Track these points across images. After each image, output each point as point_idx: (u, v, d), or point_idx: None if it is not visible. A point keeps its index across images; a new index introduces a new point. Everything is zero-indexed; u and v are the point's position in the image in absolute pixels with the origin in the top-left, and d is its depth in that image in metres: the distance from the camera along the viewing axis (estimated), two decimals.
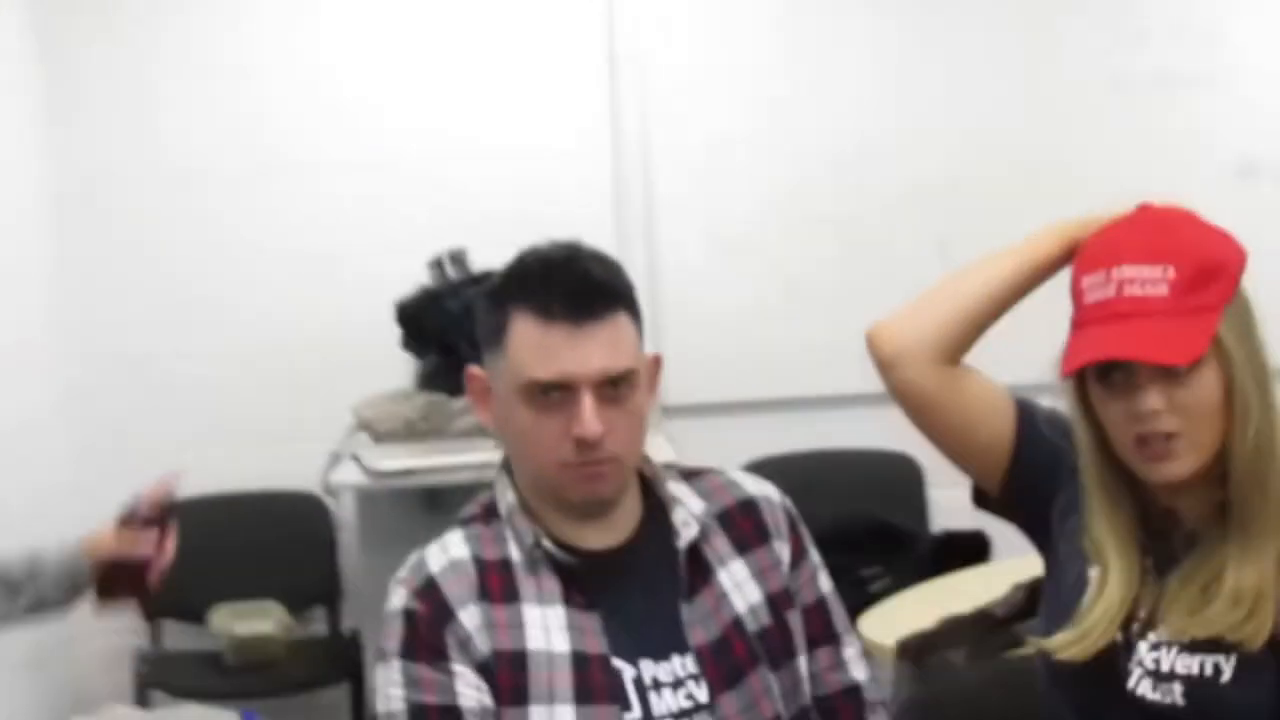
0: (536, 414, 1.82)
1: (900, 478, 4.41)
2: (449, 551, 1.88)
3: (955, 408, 1.98)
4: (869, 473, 4.53)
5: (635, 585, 1.90)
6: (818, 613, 2.00)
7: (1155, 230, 1.86)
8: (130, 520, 1.92)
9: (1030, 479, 1.99)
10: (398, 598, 1.85)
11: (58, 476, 4.27)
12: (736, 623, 1.91)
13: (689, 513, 1.93)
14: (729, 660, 1.88)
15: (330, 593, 4.39)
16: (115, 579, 1.98)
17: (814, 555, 2.03)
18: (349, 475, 3.73)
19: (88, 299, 4.43)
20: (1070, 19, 4.74)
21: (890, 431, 4.17)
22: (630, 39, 4.57)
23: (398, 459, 3.68)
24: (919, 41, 4.71)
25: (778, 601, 1.95)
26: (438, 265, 4.28)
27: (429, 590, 1.83)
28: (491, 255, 4.09)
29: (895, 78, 4.71)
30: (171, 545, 1.99)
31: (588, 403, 1.79)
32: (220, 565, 4.15)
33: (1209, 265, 1.81)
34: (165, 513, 1.93)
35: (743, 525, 1.98)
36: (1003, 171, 4.69)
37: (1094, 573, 1.89)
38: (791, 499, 2.04)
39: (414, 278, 4.28)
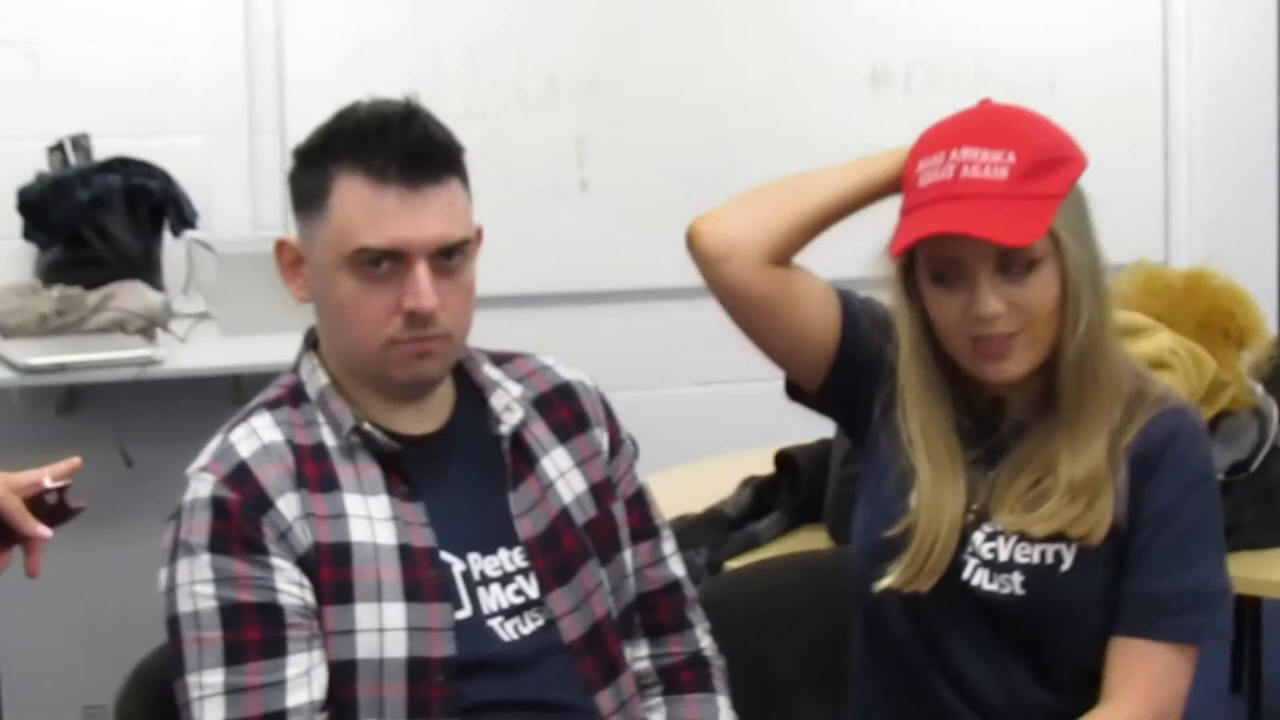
0: (362, 285, 1.72)
1: None
2: (260, 435, 1.77)
3: (781, 307, 1.97)
4: None
5: (458, 474, 1.83)
6: (637, 504, 1.97)
7: (997, 118, 1.88)
8: (32, 493, 1.65)
9: (852, 374, 1.99)
10: (203, 485, 1.72)
11: None
12: (564, 514, 1.86)
13: (510, 397, 1.87)
14: (559, 553, 1.83)
15: None
16: None
17: (630, 444, 1.99)
18: None
19: None
20: None
21: (523, 333, 4.23)
22: None
23: (36, 353, 3.42)
24: None
25: (601, 492, 1.91)
26: (58, 150, 3.99)
27: (241, 476, 1.72)
28: (117, 143, 3.98)
29: None
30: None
31: (422, 273, 1.70)
32: None
33: (1049, 155, 1.81)
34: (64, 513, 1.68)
35: (561, 412, 1.93)
36: (639, 74, 4.62)
37: (920, 476, 1.89)
38: None
39: (33, 163, 3.97)
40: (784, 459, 2.91)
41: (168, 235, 4.04)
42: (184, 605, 1.69)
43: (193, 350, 3.65)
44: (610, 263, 4.62)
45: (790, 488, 2.86)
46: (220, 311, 3.85)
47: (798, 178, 2.01)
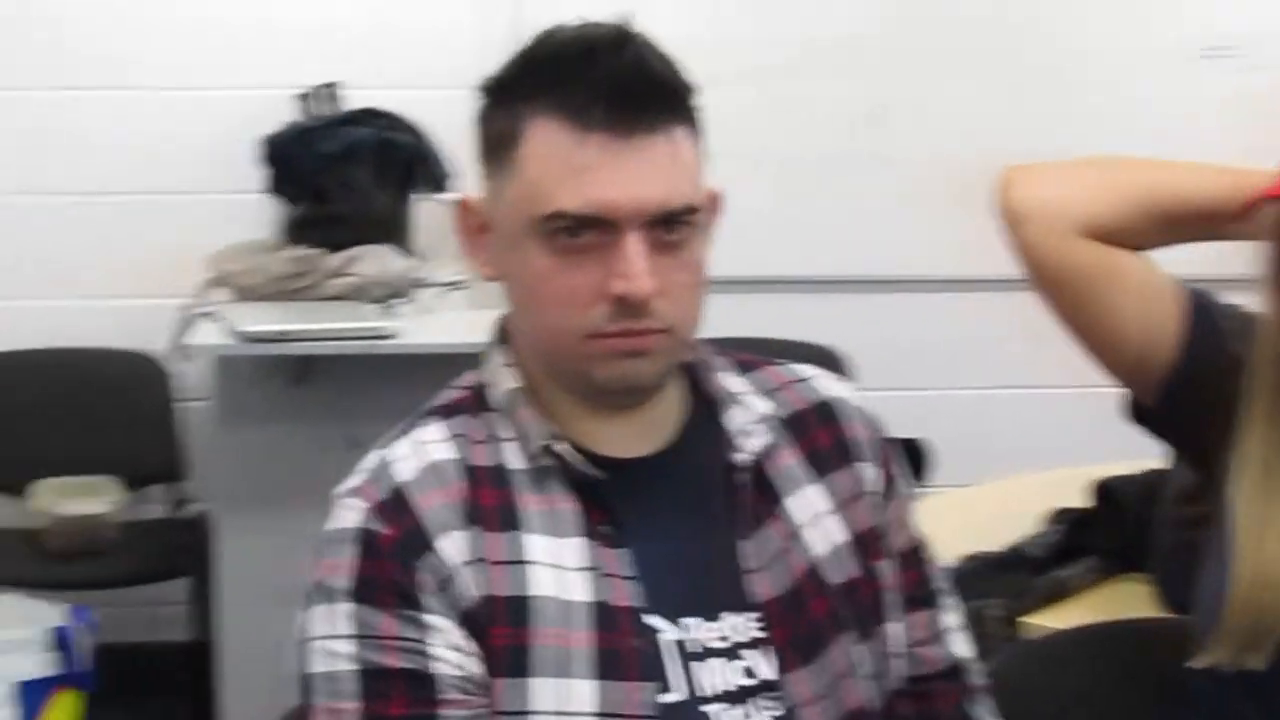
0: (559, 261, 1.42)
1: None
2: (427, 452, 1.48)
3: (1092, 288, 1.72)
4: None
5: (676, 513, 1.53)
6: (914, 563, 1.64)
7: None
8: None
9: (1198, 390, 1.71)
10: (351, 514, 1.45)
11: None
12: (814, 571, 1.53)
13: (752, 415, 1.55)
14: (805, 623, 1.52)
15: (172, 470, 3.99)
16: None
17: (906, 487, 1.67)
18: (207, 336, 3.42)
19: None
20: None
21: (814, 320, 3.98)
22: None
23: (266, 320, 3.40)
24: None
25: (867, 544, 1.58)
26: (306, 99, 3.93)
27: (398, 506, 1.44)
28: (370, 94, 4.04)
29: None
30: None
31: (635, 247, 1.39)
32: (45, 433, 3.86)
33: None
34: None
35: (820, 437, 1.59)
36: (944, 31, 4.32)
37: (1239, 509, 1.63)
38: None
39: (281, 111, 3.91)
40: (1104, 491, 2.58)
41: (415, 198, 4.00)
42: (318, 664, 1.45)
43: (438, 323, 3.59)
44: (900, 246, 4.31)
45: (1109, 527, 2.53)
46: (474, 281, 3.63)
47: (1147, 161, 1.77)
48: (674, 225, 1.41)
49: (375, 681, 1.42)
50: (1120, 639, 1.98)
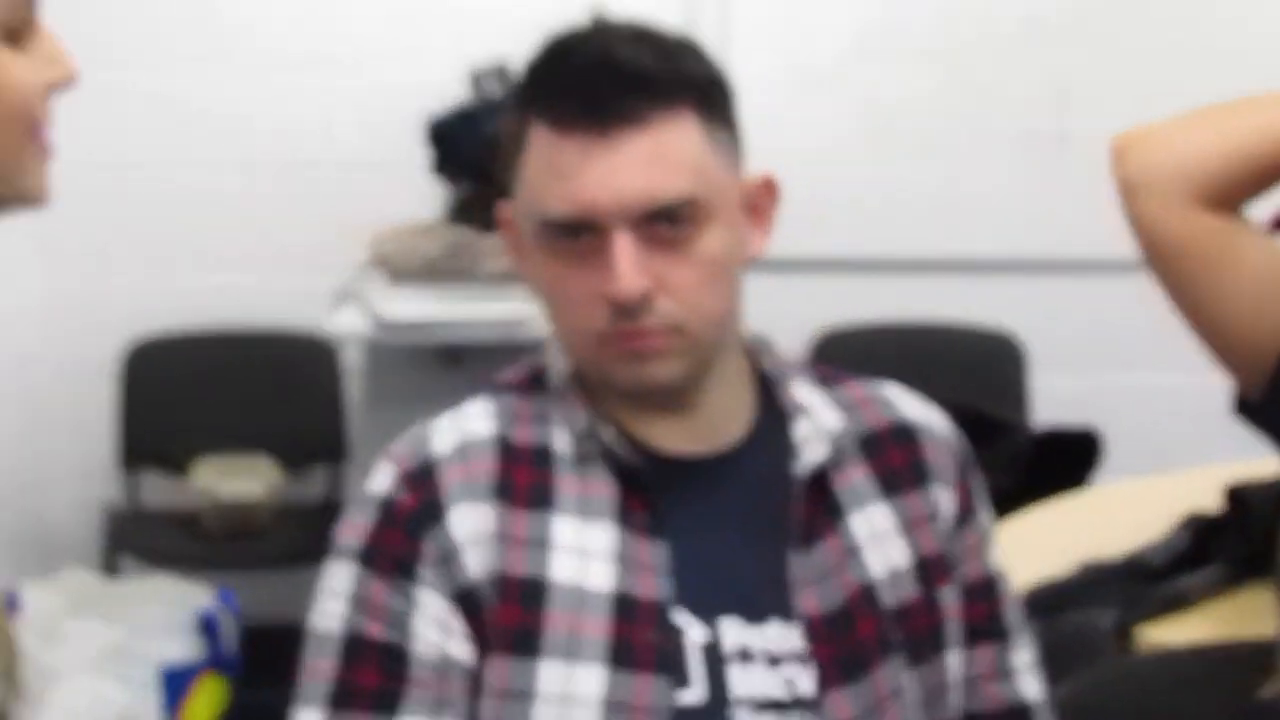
0: (562, 265, 1.42)
1: (999, 359, 3.98)
2: (465, 426, 1.48)
3: (1209, 263, 1.67)
4: (963, 352, 4.03)
5: (729, 515, 1.51)
6: (983, 595, 1.60)
7: None
8: None
9: None
10: (383, 477, 1.46)
11: (24, 295, 3.93)
12: (867, 592, 1.51)
13: (817, 426, 1.53)
14: (850, 642, 1.49)
15: (333, 452, 3.97)
16: None
17: (986, 517, 1.63)
18: (356, 321, 3.42)
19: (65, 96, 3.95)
20: None
21: (990, 304, 3.88)
22: None
23: (417, 306, 3.39)
24: None
25: (931, 570, 1.55)
26: (476, 80, 3.83)
27: (423, 477, 1.45)
28: None
29: None
30: None
31: (621, 247, 1.38)
32: (208, 411, 3.86)
33: None
34: None
35: (895, 457, 1.58)
36: (1135, 12, 4.17)
37: None
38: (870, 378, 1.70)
39: (450, 93, 3.84)
40: (1235, 495, 2.46)
41: None
42: (315, 619, 1.48)
43: None
44: (1079, 229, 4.00)
45: (1240, 532, 2.41)
46: None
47: (1258, 100, 1.72)
48: (675, 220, 1.39)
49: (355, 648, 1.43)
50: (1225, 662, 1.91)
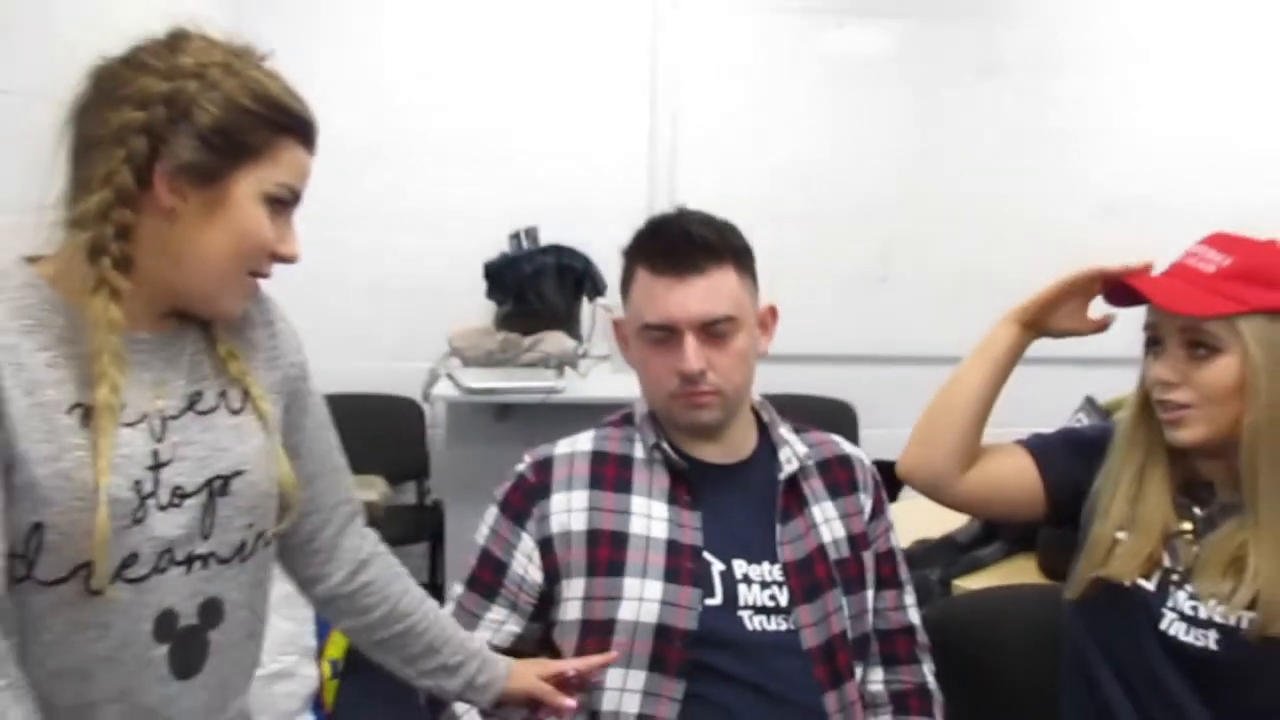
0: (651, 350, 1.64)
1: (839, 419, 4.07)
2: (576, 444, 1.71)
3: (995, 499, 1.74)
4: (815, 415, 3.91)
5: (738, 499, 1.67)
6: (888, 560, 1.76)
7: (1244, 238, 1.59)
8: (557, 680, 1.56)
9: (1069, 499, 1.71)
10: (522, 463, 1.71)
11: None
12: (821, 549, 1.67)
13: (794, 452, 1.70)
14: (810, 577, 1.64)
15: (420, 473, 4.16)
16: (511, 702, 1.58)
17: (889, 513, 1.79)
18: (444, 389, 3.50)
19: None
20: (995, 96, 4.41)
21: (829, 383, 4.00)
22: (668, 82, 4.28)
23: (481, 380, 3.48)
24: (878, 102, 4.37)
25: (857, 541, 1.71)
26: (515, 237, 4.06)
27: (543, 467, 1.68)
28: (556, 233, 3.93)
29: (851, 125, 4.36)
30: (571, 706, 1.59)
31: (689, 342, 1.59)
32: (347, 449, 3.68)
33: (1262, 273, 1.53)
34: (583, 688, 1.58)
35: (838, 475, 1.75)
36: (931, 199, 4.40)
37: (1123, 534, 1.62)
38: None
39: (498, 245, 4.04)
40: None
41: (584, 302, 4.00)
42: (477, 533, 1.69)
43: (592, 382, 3.62)
44: (894, 335, 4.38)
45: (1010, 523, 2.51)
46: (616, 356, 3.69)
47: (945, 390, 1.72)
48: (718, 327, 1.60)
49: (484, 556, 1.66)
50: (1017, 597, 1.99)
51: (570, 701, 1.53)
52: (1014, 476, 1.72)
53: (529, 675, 1.54)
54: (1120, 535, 1.62)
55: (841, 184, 4.33)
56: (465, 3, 4.21)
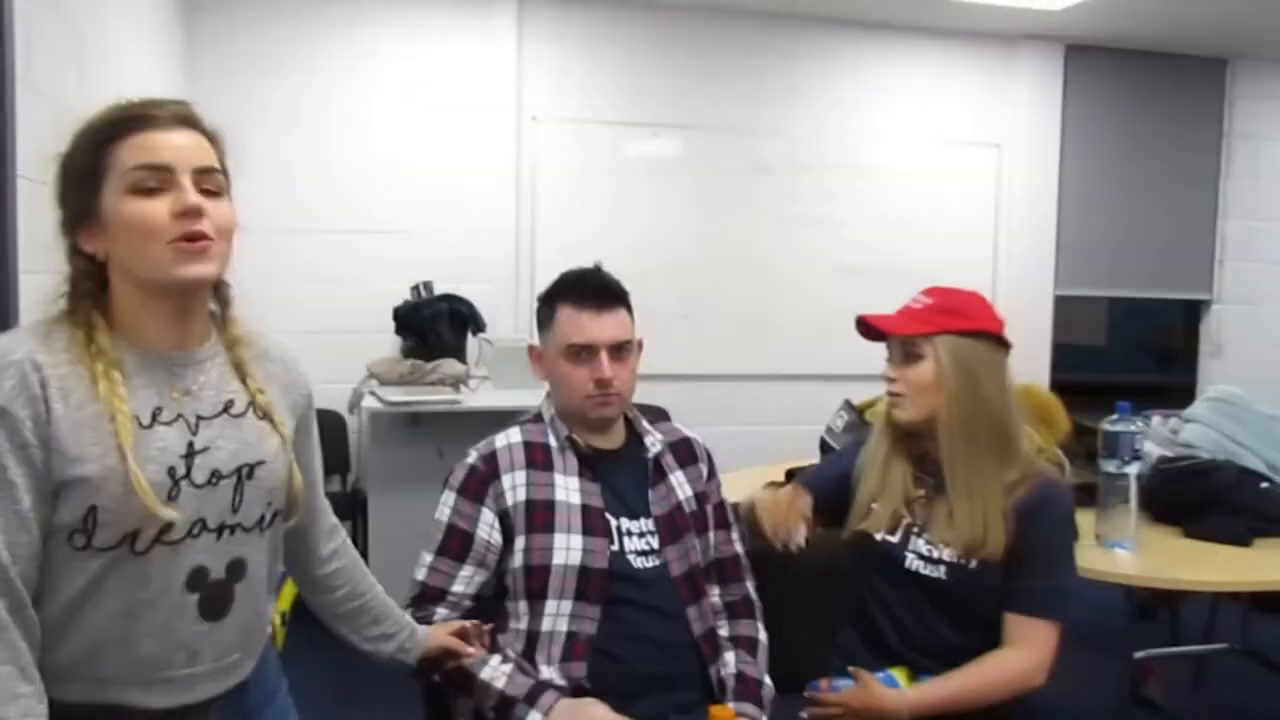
0: (572, 365, 1.64)
1: (653, 418, 3.78)
2: (509, 437, 1.69)
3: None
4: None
5: (622, 473, 1.70)
6: (721, 510, 1.81)
7: (946, 289, 1.72)
8: (460, 634, 1.57)
9: (836, 504, 1.81)
10: (470, 457, 1.67)
11: None
12: (679, 505, 1.72)
13: (655, 439, 1.75)
14: (673, 526, 1.69)
15: (344, 468, 4.07)
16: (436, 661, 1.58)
17: (718, 476, 1.83)
18: (369, 403, 3.39)
19: None
20: (763, 188, 4.59)
21: (648, 394, 3.78)
22: (528, 173, 4.33)
23: (400, 394, 3.42)
24: (679, 191, 4.51)
25: (700, 498, 1.76)
26: (415, 288, 4.05)
27: (490, 457, 1.66)
28: (447, 285, 3.97)
29: (662, 206, 4.51)
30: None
31: (604, 358, 1.63)
32: None
33: (952, 309, 1.67)
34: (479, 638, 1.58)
35: (682, 451, 1.79)
36: (718, 260, 4.54)
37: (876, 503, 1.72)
38: None
39: (402, 295, 4.02)
40: (790, 473, 2.45)
41: (470, 337, 4.01)
42: (437, 512, 1.65)
43: (479, 396, 3.58)
44: (701, 359, 4.51)
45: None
46: (495, 377, 3.75)
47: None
48: (621, 349, 1.65)
49: (451, 530, 1.62)
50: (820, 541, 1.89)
51: (472, 650, 1.54)
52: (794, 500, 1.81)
53: (441, 635, 1.54)
54: (874, 506, 1.71)
55: (655, 250, 4.43)
56: (384, 120, 4.19)
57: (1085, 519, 2.17)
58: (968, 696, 1.59)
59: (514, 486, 1.63)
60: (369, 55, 4.16)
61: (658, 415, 4.11)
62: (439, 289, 4.05)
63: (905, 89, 4.69)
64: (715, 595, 1.76)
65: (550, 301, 1.68)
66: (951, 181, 4.75)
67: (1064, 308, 4.94)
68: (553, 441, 1.68)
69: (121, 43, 3.10)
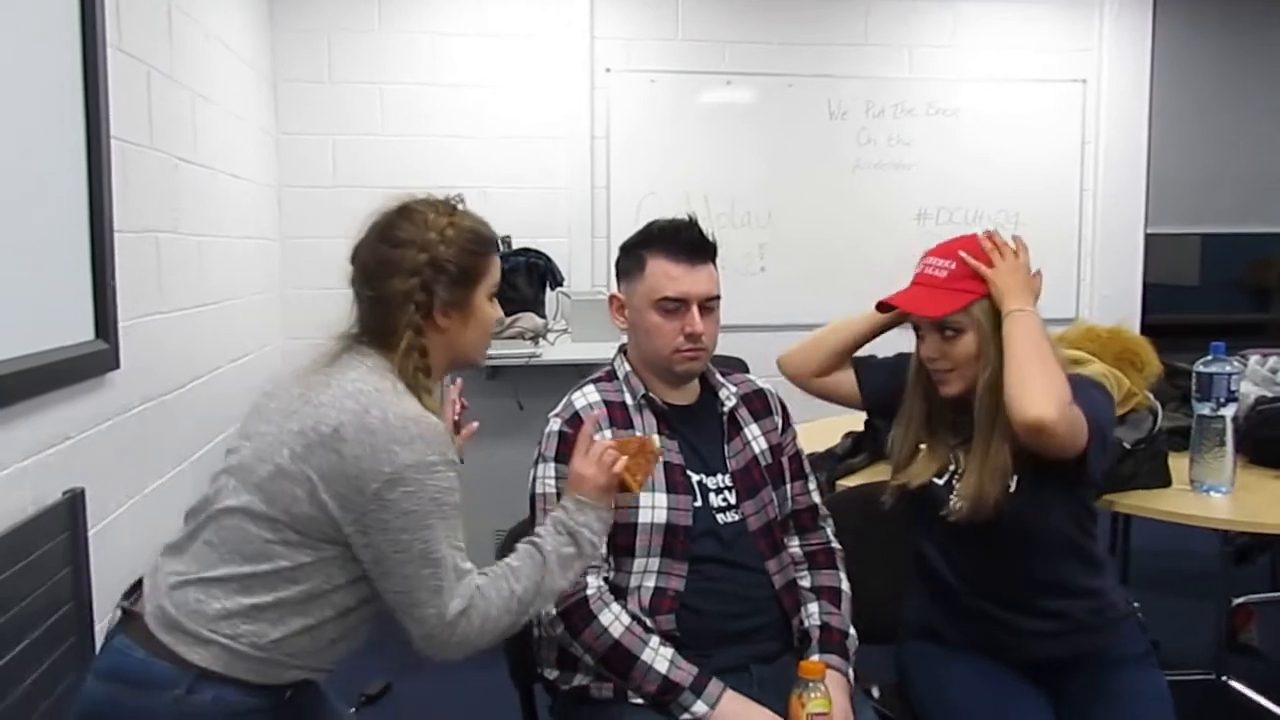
0: (663, 318, 1.60)
1: (734, 368, 3.43)
2: (587, 397, 1.66)
3: (830, 392, 1.84)
4: (718, 365, 3.67)
5: (698, 428, 1.67)
6: (796, 461, 1.77)
7: (958, 243, 1.66)
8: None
9: (878, 399, 1.81)
10: (554, 424, 1.63)
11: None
12: (755, 459, 1.69)
13: (730, 392, 1.72)
14: (749, 480, 1.67)
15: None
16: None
17: (793, 427, 1.78)
18: None
19: (299, 263, 4.10)
20: (836, 134, 4.50)
21: (726, 344, 3.87)
22: (602, 127, 4.31)
23: None
24: (753, 139, 4.45)
25: (775, 450, 1.73)
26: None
27: (574, 420, 1.62)
28: (524, 240, 3.99)
29: (736, 155, 4.45)
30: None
31: (696, 312, 1.60)
32: None
33: (974, 270, 1.61)
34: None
35: (756, 404, 1.75)
36: (792, 210, 4.49)
37: (923, 447, 1.70)
38: None
39: None
40: (868, 424, 2.46)
41: (548, 290, 4.04)
42: (538, 489, 1.61)
43: (558, 350, 3.58)
44: (778, 308, 4.45)
45: (872, 439, 2.44)
46: (573, 329, 3.75)
47: (828, 329, 1.82)
48: (711, 303, 1.62)
49: (559, 496, 1.53)
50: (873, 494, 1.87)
51: (461, 435, 1.56)
52: (846, 385, 1.82)
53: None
54: (921, 447, 1.68)
55: (729, 200, 4.41)
56: (460, 77, 4.18)
57: (1179, 463, 2.14)
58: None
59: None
60: (443, 14, 4.20)
61: (735, 366, 4.05)
62: (516, 244, 4.05)
63: (984, 24, 4.59)
64: (795, 545, 1.74)
65: (638, 250, 1.63)
66: (1034, 120, 4.63)
67: (1155, 246, 4.79)
68: (629, 399, 1.65)
69: (206, 4, 3.15)
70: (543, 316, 3.84)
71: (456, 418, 1.63)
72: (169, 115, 2.73)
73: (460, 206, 1.40)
